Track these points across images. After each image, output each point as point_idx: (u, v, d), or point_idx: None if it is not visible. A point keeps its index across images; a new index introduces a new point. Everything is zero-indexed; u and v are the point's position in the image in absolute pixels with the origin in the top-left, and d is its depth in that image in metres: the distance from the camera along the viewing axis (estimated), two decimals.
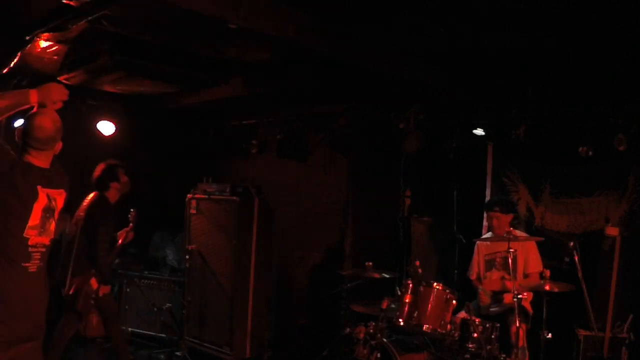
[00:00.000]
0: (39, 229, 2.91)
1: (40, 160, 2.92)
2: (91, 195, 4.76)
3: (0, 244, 2.81)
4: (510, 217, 4.89)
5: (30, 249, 2.89)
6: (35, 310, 3.00)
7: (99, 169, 4.80)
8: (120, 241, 4.88)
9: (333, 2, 3.83)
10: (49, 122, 2.90)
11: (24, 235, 2.85)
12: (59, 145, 3.00)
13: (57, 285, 4.58)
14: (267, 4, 3.70)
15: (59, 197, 3.02)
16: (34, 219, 2.88)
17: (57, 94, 2.90)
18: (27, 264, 2.88)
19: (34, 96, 2.82)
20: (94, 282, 4.54)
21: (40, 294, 3.03)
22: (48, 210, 2.94)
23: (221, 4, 3.47)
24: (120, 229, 4.93)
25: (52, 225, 2.99)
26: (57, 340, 4.66)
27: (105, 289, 4.66)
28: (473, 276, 5.06)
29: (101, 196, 4.73)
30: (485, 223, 5.63)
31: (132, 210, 5.01)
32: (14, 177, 2.80)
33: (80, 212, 4.67)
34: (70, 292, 4.50)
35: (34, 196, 2.86)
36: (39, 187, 2.88)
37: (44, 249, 2.97)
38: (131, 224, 4.96)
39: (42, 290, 3.04)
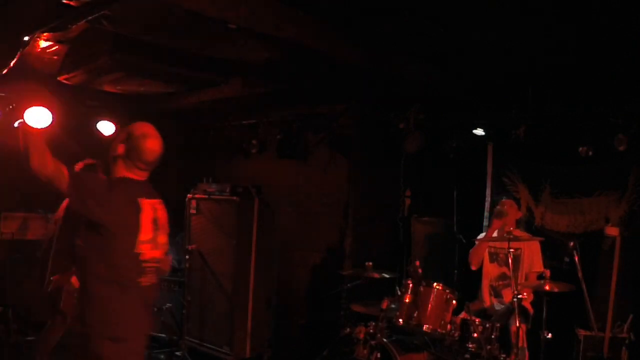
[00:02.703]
0: (151, 242, 2.85)
1: (140, 175, 2.91)
2: None
3: (114, 263, 2.73)
4: (519, 214, 5.00)
5: (144, 264, 2.83)
6: (147, 325, 3.00)
7: (76, 167, 4.72)
8: None
9: (333, 2, 3.83)
10: (159, 145, 2.89)
11: (136, 250, 2.79)
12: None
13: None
14: (267, 4, 3.70)
15: (160, 207, 2.95)
16: (145, 232, 2.82)
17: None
18: (140, 279, 2.82)
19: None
20: (74, 281, 4.51)
21: (150, 308, 3.04)
22: (155, 222, 2.88)
23: (221, 4, 3.47)
24: None
25: (163, 239, 2.93)
26: (42, 344, 4.64)
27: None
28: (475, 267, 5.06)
29: None
30: (485, 223, 5.64)
31: None
32: (115, 197, 2.75)
33: (60, 212, 4.63)
34: (49, 291, 4.48)
35: (138, 209, 2.81)
36: (140, 199, 2.83)
37: (158, 264, 2.91)
38: None
39: (151, 307, 3.04)
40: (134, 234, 2.78)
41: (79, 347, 2.78)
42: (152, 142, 2.87)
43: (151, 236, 2.84)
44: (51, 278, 4.52)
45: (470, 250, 5.02)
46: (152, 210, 2.87)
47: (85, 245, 2.75)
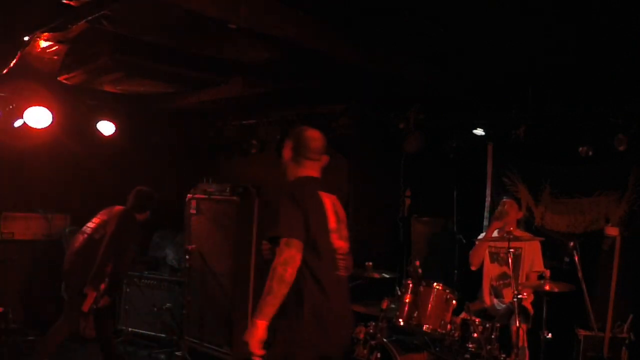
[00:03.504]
0: (337, 232, 2.92)
1: (315, 171, 3.01)
2: (120, 208, 4.86)
3: (315, 266, 2.77)
4: (520, 214, 4.98)
5: (337, 256, 2.90)
6: (348, 323, 3.01)
7: (143, 190, 5.00)
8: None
9: (333, 2, 3.83)
10: (319, 133, 3.02)
11: (331, 241, 2.87)
12: (325, 157, 3.06)
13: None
14: (267, 4, 3.70)
15: (337, 203, 3.03)
16: (331, 222, 2.90)
17: None
18: (338, 273, 2.90)
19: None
20: (102, 287, 4.57)
21: (349, 305, 3.03)
22: (336, 213, 2.97)
23: (221, 4, 3.47)
24: None
25: (345, 232, 3.00)
26: (51, 338, 4.67)
27: (106, 300, 4.73)
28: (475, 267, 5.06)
29: (132, 214, 4.88)
30: (485, 223, 5.64)
31: None
32: (309, 199, 2.83)
33: (111, 224, 4.72)
34: (84, 292, 4.53)
35: (321, 202, 2.91)
36: (320, 192, 2.94)
37: (347, 256, 2.96)
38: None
39: (348, 301, 3.02)
40: (327, 228, 2.86)
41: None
42: (312, 132, 3.02)
43: (336, 226, 2.91)
44: (90, 283, 4.56)
45: (471, 251, 5.02)
46: (330, 202, 2.96)
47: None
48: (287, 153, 3.03)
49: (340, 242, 2.93)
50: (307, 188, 2.90)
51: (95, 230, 4.77)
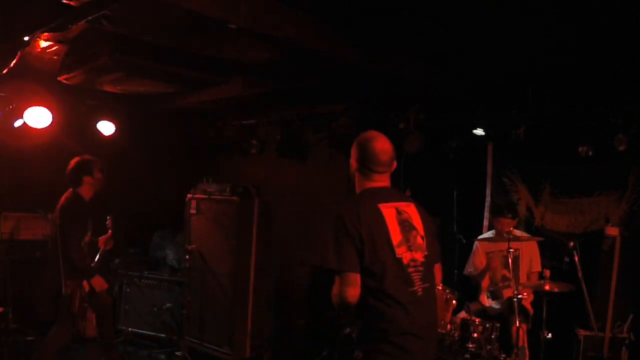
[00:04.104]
0: (405, 243, 2.69)
1: (382, 181, 2.85)
2: (65, 193, 4.70)
3: (380, 277, 2.60)
4: (515, 222, 4.90)
5: (408, 270, 2.67)
6: (432, 338, 2.80)
7: (72, 163, 4.70)
8: (102, 247, 4.78)
9: (333, 2, 3.83)
10: (387, 143, 2.84)
11: (397, 256, 2.66)
12: (395, 163, 2.92)
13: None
14: (267, 4, 3.70)
15: (408, 209, 2.82)
16: (394, 234, 2.68)
17: None
18: (412, 288, 2.66)
19: None
20: (85, 285, 4.51)
21: (434, 319, 2.82)
22: (403, 223, 2.74)
23: (221, 4, 3.47)
24: (99, 234, 4.85)
25: (419, 239, 2.76)
26: (48, 347, 4.62)
27: (99, 285, 4.56)
28: (476, 272, 5.04)
29: (73, 193, 4.65)
30: (485, 223, 5.64)
31: (108, 217, 4.90)
32: (362, 211, 2.67)
33: (56, 212, 4.63)
34: (64, 294, 4.50)
35: (380, 215, 2.69)
36: (379, 205, 2.72)
37: (421, 267, 2.71)
38: (110, 231, 4.85)
39: (434, 315, 2.82)
40: (388, 241, 2.65)
41: None
42: (380, 142, 2.81)
43: (401, 238, 2.69)
44: (66, 282, 4.53)
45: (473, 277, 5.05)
46: (394, 211, 2.75)
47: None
48: (353, 163, 2.85)
49: (410, 254, 2.70)
50: (361, 205, 2.72)
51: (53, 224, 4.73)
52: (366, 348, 2.68)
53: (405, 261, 2.67)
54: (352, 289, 2.58)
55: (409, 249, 2.71)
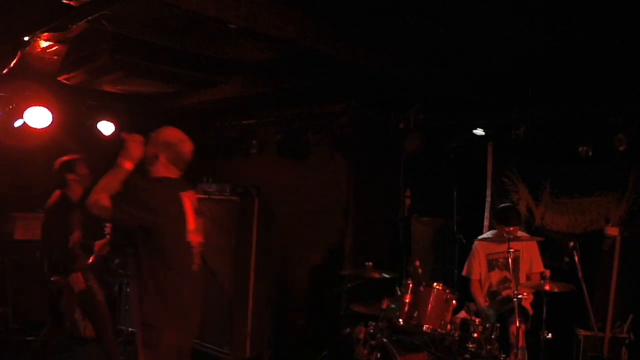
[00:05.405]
0: (197, 231, 3.22)
1: (174, 173, 3.24)
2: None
3: (170, 256, 3.05)
4: (519, 227, 4.86)
5: (193, 251, 3.20)
6: (198, 310, 3.29)
7: (55, 164, 4.69)
8: (96, 251, 4.71)
9: (333, 2, 3.83)
10: (192, 145, 3.27)
11: (187, 239, 3.15)
12: None
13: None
14: (267, 4, 3.70)
15: (194, 197, 3.31)
16: (191, 222, 3.18)
17: (135, 149, 3.21)
18: (193, 266, 3.20)
19: (127, 164, 3.16)
20: (73, 281, 4.49)
21: (201, 292, 3.35)
22: (196, 211, 3.24)
23: (221, 4, 3.47)
24: (96, 238, 4.77)
25: (201, 224, 3.29)
26: (41, 348, 4.61)
27: (77, 284, 4.49)
28: (475, 276, 5.00)
29: (60, 194, 4.63)
30: (486, 223, 5.64)
31: (107, 224, 4.83)
32: (157, 196, 3.08)
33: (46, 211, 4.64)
34: (50, 292, 4.49)
35: (181, 202, 3.16)
36: (181, 193, 3.19)
37: (202, 248, 3.25)
38: (107, 237, 4.78)
39: (202, 289, 3.36)
40: (183, 226, 3.11)
41: (147, 341, 3.01)
42: (188, 145, 3.25)
43: (195, 225, 3.18)
44: (52, 279, 4.51)
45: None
46: (190, 201, 3.21)
47: (145, 250, 3.02)
48: (161, 156, 3.23)
49: (198, 238, 3.26)
50: (163, 190, 3.15)
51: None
52: (153, 324, 3.06)
53: (193, 244, 3.21)
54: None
55: (198, 234, 3.24)
